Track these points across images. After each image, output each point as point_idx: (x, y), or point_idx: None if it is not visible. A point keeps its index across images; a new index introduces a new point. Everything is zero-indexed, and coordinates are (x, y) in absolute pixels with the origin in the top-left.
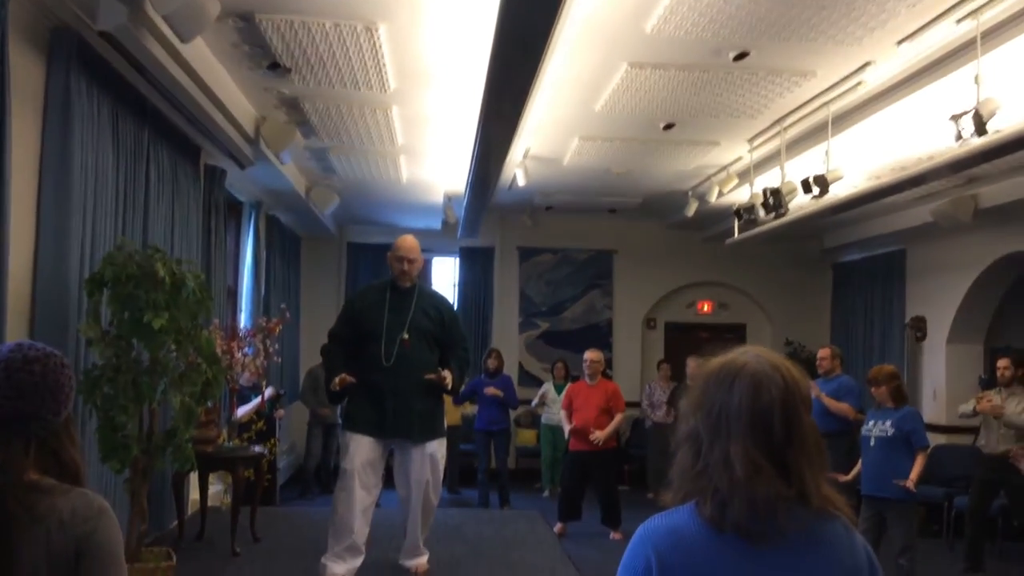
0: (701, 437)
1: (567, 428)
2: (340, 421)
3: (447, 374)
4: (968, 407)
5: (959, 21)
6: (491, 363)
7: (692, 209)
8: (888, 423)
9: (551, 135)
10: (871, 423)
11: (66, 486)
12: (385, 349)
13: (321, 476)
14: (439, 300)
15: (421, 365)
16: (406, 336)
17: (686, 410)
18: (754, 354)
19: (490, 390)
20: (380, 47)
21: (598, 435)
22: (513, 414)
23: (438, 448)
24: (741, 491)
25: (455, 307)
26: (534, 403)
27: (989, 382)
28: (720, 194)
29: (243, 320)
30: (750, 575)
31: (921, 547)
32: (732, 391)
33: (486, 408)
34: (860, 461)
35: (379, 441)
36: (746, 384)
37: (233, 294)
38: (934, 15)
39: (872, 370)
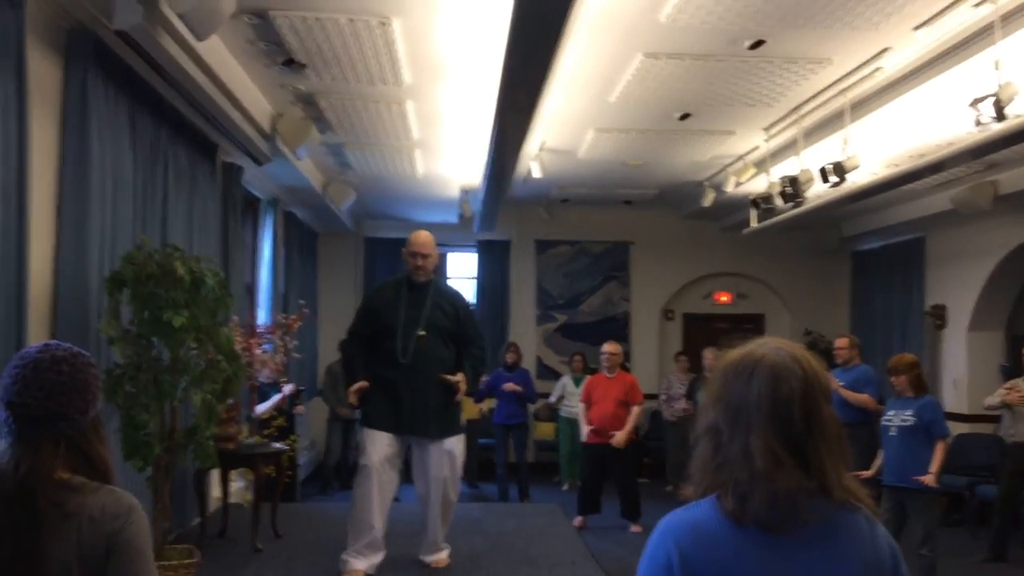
0: (721, 430)
1: (584, 425)
2: (359, 417)
3: (461, 380)
4: (995, 399)
5: (977, 5)
6: (509, 357)
7: (709, 199)
8: (908, 412)
9: (566, 127)
10: (891, 413)
11: (96, 484)
12: (402, 346)
13: (341, 472)
14: (454, 295)
15: (438, 361)
16: (422, 332)
17: (705, 403)
18: (773, 346)
19: (509, 386)
20: (394, 42)
21: (619, 438)
22: (531, 408)
23: (456, 444)
24: (762, 483)
25: (472, 301)
26: (552, 398)
27: (1011, 370)
28: (737, 184)
29: (262, 317)
30: (772, 568)
31: (943, 536)
32: (751, 383)
33: (505, 402)
34: (880, 454)
35: (397, 437)
36: (765, 376)
37: (251, 291)
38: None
39: (892, 359)
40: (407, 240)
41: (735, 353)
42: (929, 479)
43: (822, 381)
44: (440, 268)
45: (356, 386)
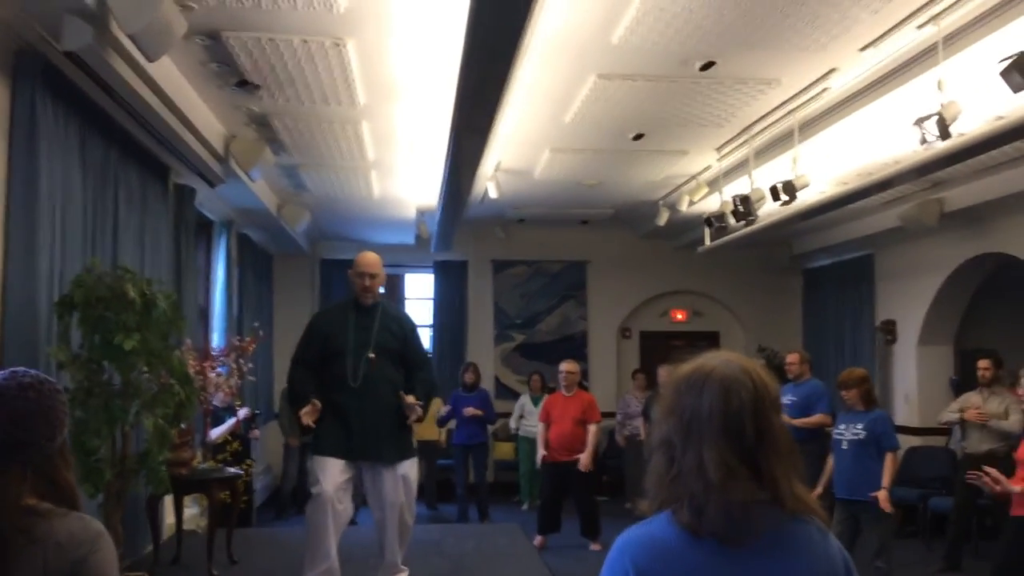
0: (674, 443)
1: (540, 448)
2: (311, 443)
3: (414, 404)
4: (953, 416)
5: (920, 27)
6: (468, 377)
7: (663, 218)
8: (859, 426)
9: (522, 148)
10: (842, 427)
11: (63, 510)
12: (352, 369)
13: (298, 497)
14: (401, 316)
15: (389, 384)
16: (372, 355)
17: (658, 417)
18: (723, 359)
19: (469, 411)
20: (349, 62)
21: (584, 461)
22: (491, 428)
23: (410, 468)
24: (716, 495)
25: (430, 322)
26: (512, 421)
27: (960, 384)
28: (690, 203)
29: (216, 340)
30: None
31: (897, 548)
32: (702, 396)
33: (464, 423)
34: (828, 468)
35: (349, 463)
36: (716, 388)
37: (205, 314)
38: (896, 21)
39: (842, 373)
40: (353, 261)
41: (686, 367)
42: (882, 495)
43: (772, 393)
44: (398, 289)
45: (307, 408)
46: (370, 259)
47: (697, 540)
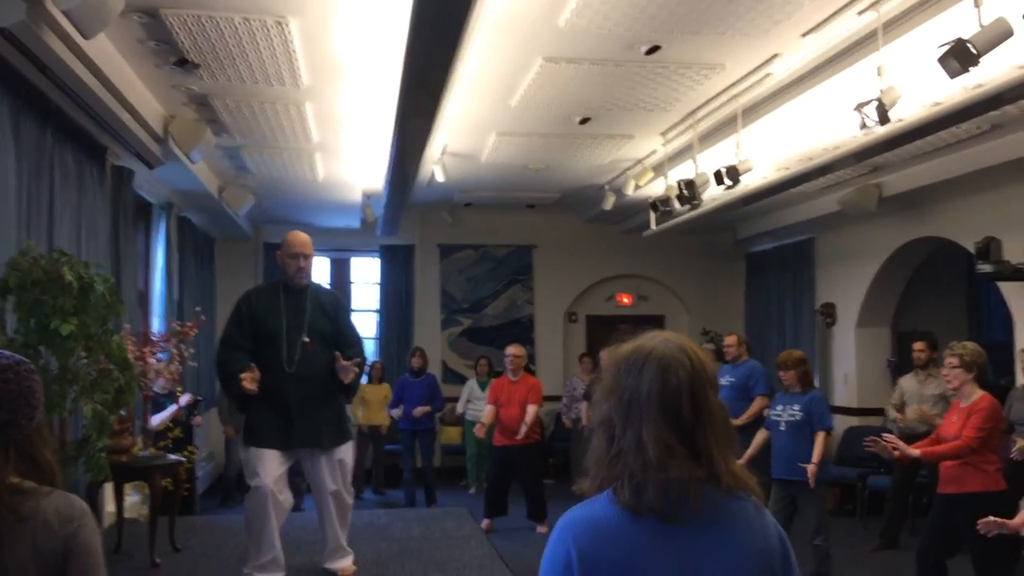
0: (614, 422)
1: (485, 422)
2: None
3: (348, 365)
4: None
5: (861, 13)
6: (415, 362)
7: (609, 203)
8: (796, 407)
9: (468, 131)
10: (779, 407)
11: (47, 488)
12: (287, 354)
13: (242, 483)
14: (331, 296)
15: (324, 368)
16: (307, 339)
17: (599, 397)
18: (662, 339)
19: (419, 410)
20: (292, 42)
21: (521, 435)
22: (437, 415)
23: (346, 452)
24: (655, 473)
25: (377, 307)
26: (460, 405)
27: (898, 365)
28: (636, 187)
29: (156, 325)
30: (668, 557)
31: (836, 526)
32: (641, 375)
33: (410, 407)
34: (758, 441)
35: (286, 453)
36: (654, 368)
37: (145, 298)
38: (837, 7)
39: (780, 355)
40: (284, 242)
41: (626, 347)
42: (811, 470)
43: (709, 371)
44: (344, 273)
45: (246, 373)
46: (303, 239)
47: (637, 519)
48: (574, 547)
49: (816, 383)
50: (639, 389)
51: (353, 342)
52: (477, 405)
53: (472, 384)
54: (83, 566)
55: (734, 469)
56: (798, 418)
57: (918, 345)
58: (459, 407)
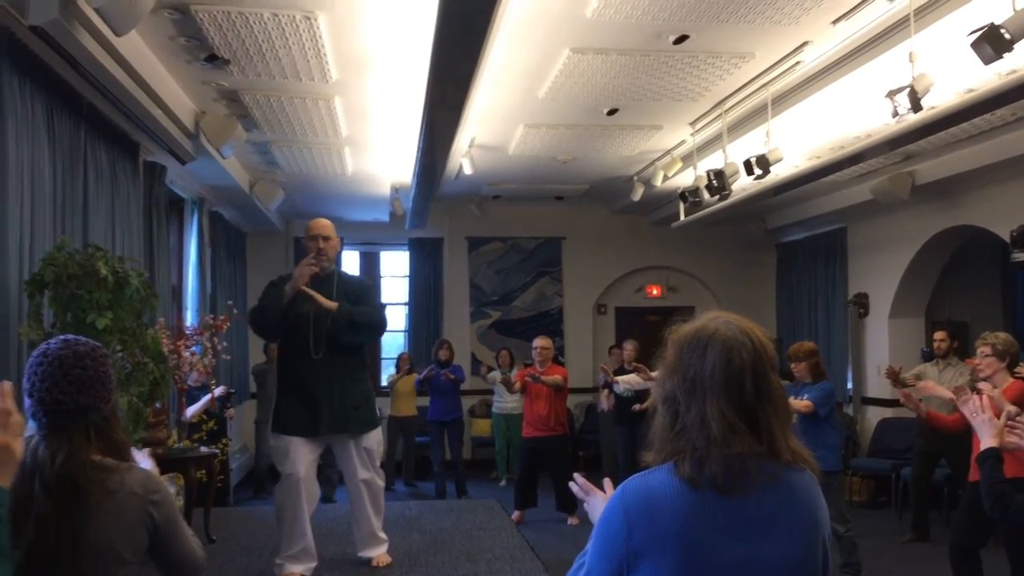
0: (679, 399)
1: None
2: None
3: (330, 304)
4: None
5: None
6: (443, 354)
7: (638, 194)
8: (806, 398)
9: (496, 123)
10: (791, 399)
11: (126, 464)
12: (315, 340)
13: (273, 475)
14: (358, 282)
15: (352, 354)
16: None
17: (662, 374)
18: (724, 320)
19: (446, 374)
20: (320, 37)
21: (540, 374)
22: (467, 404)
23: (375, 439)
24: (717, 449)
25: (405, 300)
26: (490, 376)
27: (931, 355)
28: (665, 178)
29: (189, 318)
30: (725, 527)
31: (870, 518)
32: (706, 355)
33: (439, 399)
34: None
35: (316, 440)
36: (719, 349)
37: (178, 292)
38: None
39: (792, 347)
40: (306, 226)
41: (688, 327)
42: (799, 404)
43: (769, 352)
44: (373, 266)
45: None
46: (322, 222)
47: (694, 490)
48: (631, 513)
49: (849, 374)
50: (703, 368)
51: (369, 307)
52: (502, 397)
53: (496, 375)
54: (172, 530)
55: (793, 445)
56: None
57: (939, 335)
58: (489, 377)
